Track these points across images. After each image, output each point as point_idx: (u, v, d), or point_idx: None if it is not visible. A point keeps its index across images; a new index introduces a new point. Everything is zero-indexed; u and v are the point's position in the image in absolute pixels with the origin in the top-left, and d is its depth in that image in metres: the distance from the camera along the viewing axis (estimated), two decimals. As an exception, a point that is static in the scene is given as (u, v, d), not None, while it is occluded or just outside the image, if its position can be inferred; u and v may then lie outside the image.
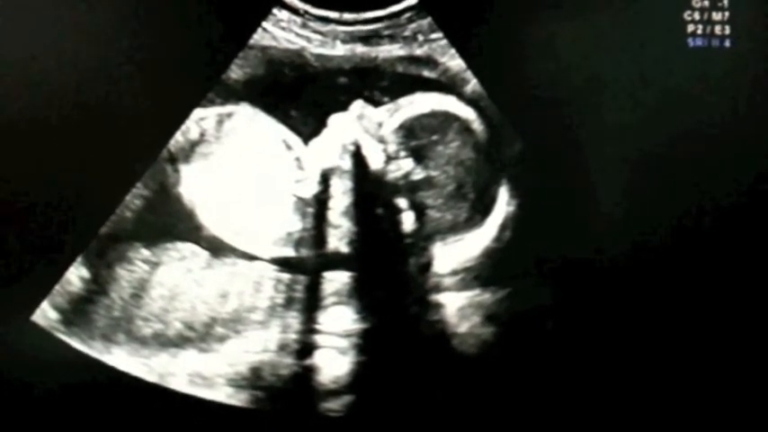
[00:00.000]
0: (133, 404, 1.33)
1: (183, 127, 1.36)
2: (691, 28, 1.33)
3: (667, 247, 1.33)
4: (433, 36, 1.39)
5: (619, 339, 1.33)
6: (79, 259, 1.33)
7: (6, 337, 1.31)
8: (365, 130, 1.40)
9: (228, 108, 1.39)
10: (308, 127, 1.39)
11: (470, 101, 1.39)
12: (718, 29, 1.33)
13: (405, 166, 1.40)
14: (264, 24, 1.39)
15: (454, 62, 1.39)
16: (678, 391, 1.33)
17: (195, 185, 1.38)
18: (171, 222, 1.37)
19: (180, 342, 1.35)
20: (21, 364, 1.30)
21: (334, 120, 1.39)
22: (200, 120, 1.38)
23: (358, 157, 1.39)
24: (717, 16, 1.33)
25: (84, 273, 1.34)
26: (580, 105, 1.35)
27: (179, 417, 1.33)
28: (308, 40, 1.41)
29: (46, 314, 1.32)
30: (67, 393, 1.31)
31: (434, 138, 1.39)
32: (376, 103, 1.40)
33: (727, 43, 1.33)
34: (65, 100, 1.32)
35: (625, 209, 1.34)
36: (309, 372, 1.35)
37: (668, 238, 1.33)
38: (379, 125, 1.40)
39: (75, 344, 1.33)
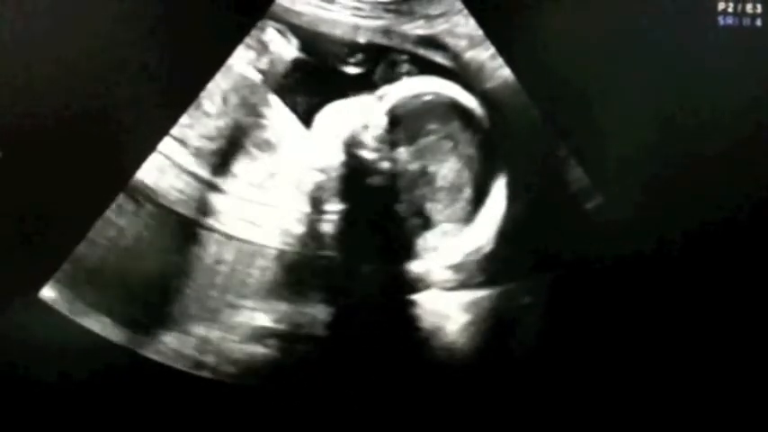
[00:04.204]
0: (140, 383, 1.31)
1: (193, 105, 1.33)
2: (721, 6, 1.31)
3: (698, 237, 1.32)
4: (457, 15, 1.37)
5: (613, 342, 1.32)
6: (89, 233, 1.31)
7: (12, 314, 1.28)
8: (364, 118, 1.37)
9: (235, 85, 1.36)
10: (308, 111, 1.36)
11: (479, 91, 1.36)
12: (749, 7, 1.31)
13: (402, 157, 1.37)
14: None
15: (473, 50, 1.36)
16: (676, 395, 1.32)
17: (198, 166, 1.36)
18: (172, 200, 1.34)
19: (175, 319, 1.33)
20: (27, 342, 1.28)
21: (334, 107, 1.36)
22: (210, 96, 1.35)
23: (355, 146, 1.37)
24: (748, -6, 1.32)
25: (92, 247, 1.31)
26: (606, 85, 1.32)
27: (185, 396, 1.32)
28: (323, 14, 1.38)
29: (53, 290, 1.30)
30: (75, 372, 1.29)
31: (434, 129, 1.37)
32: (381, 85, 1.37)
33: (759, 22, 1.31)
34: (70, 81, 1.29)
35: (651, 193, 1.32)
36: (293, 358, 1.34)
37: (696, 226, 1.32)
38: (378, 113, 1.37)
39: (81, 320, 1.30)
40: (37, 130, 1.28)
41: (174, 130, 1.33)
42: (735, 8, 1.31)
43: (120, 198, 1.32)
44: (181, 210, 1.34)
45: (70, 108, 1.28)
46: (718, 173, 1.31)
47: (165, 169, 1.34)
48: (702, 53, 1.31)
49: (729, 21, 1.31)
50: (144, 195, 1.33)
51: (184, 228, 1.34)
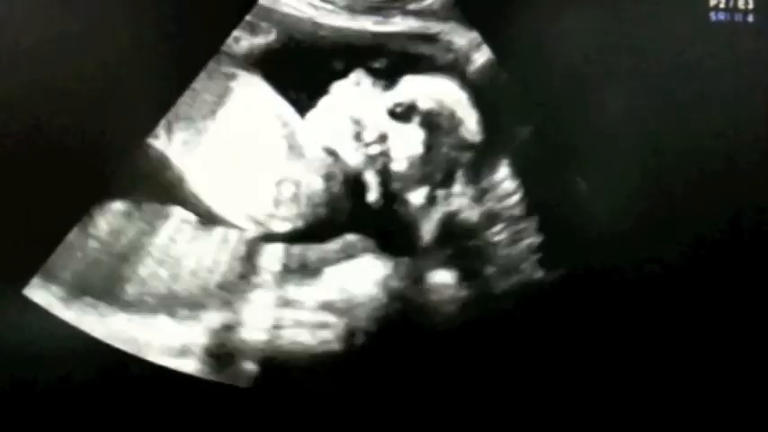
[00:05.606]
0: (126, 378, 1.30)
1: (183, 94, 1.34)
2: (713, 2, 1.31)
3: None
4: (450, 11, 1.37)
5: (610, 343, 1.32)
6: (75, 228, 1.30)
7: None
8: (361, 105, 1.37)
9: (229, 75, 1.36)
10: (304, 100, 1.36)
11: (471, 83, 1.36)
12: (741, 3, 1.31)
13: (398, 143, 1.37)
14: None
15: (463, 39, 1.36)
16: (675, 399, 1.32)
17: (189, 153, 1.35)
18: (163, 189, 1.34)
19: (160, 308, 1.32)
20: (10, 339, 1.27)
21: (331, 94, 1.36)
22: (201, 88, 1.35)
23: (352, 132, 1.37)
24: (740, -10, 1.31)
25: (80, 240, 1.31)
26: (597, 80, 1.32)
27: (172, 392, 1.31)
28: (316, 7, 1.38)
29: (39, 287, 1.29)
30: (59, 368, 1.28)
31: (428, 124, 1.37)
32: (375, 78, 1.37)
33: (750, 18, 1.31)
34: (71, 67, 1.29)
35: (640, 190, 1.32)
36: (289, 346, 1.33)
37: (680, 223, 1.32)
38: (376, 101, 1.37)
39: (65, 314, 1.30)
40: (23, 129, 1.28)
41: (161, 124, 1.33)
42: (727, 3, 1.31)
43: (104, 194, 1.32)
44: (166, 202, 1.34)
45: (50, 103, 1.28)
46: (712, 168, 1.31)
47: (150, 160, 1.33)
48: (694, 48, 1.31)
49: (721, 16, 1.31)
50: (128, 189, 1.33)
51: (168, 219, 1.34)
